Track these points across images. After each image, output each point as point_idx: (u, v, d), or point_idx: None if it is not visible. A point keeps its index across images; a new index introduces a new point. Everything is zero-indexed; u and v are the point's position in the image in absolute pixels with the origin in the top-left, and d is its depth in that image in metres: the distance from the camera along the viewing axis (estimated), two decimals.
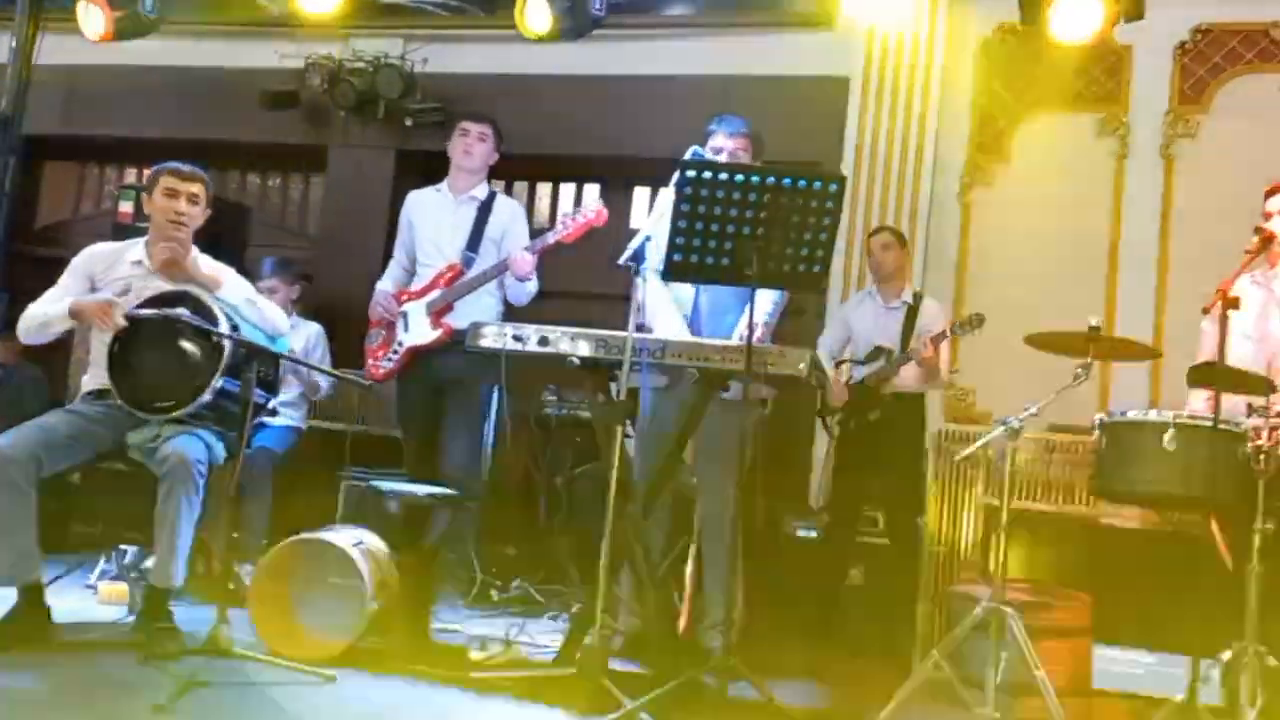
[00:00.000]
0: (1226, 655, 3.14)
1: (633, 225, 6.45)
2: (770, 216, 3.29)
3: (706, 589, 4.12)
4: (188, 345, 3.48)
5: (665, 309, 3.89)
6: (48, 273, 3.89)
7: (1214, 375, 3.11)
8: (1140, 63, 5.81)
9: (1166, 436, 3.09)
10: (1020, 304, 5.51)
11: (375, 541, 3.68)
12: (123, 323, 3.46)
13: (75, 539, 4.92)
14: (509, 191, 6.79)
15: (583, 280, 6.23)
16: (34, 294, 3.75)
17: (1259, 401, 3.21)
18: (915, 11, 5.87)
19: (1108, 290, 5.68)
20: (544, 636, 4.03)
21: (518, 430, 5.13)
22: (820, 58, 6.14)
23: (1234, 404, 3.31)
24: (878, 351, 4.83)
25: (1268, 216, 3.57)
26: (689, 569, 4.55)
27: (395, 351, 4.45)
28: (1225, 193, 5.43)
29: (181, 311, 3.47)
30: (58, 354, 6.31)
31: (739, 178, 3.30)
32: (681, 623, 4.33)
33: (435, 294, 4.41)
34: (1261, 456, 3.03)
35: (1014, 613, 3.16)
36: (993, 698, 3.11)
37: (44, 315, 3.63)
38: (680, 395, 3.63)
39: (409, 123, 6.46)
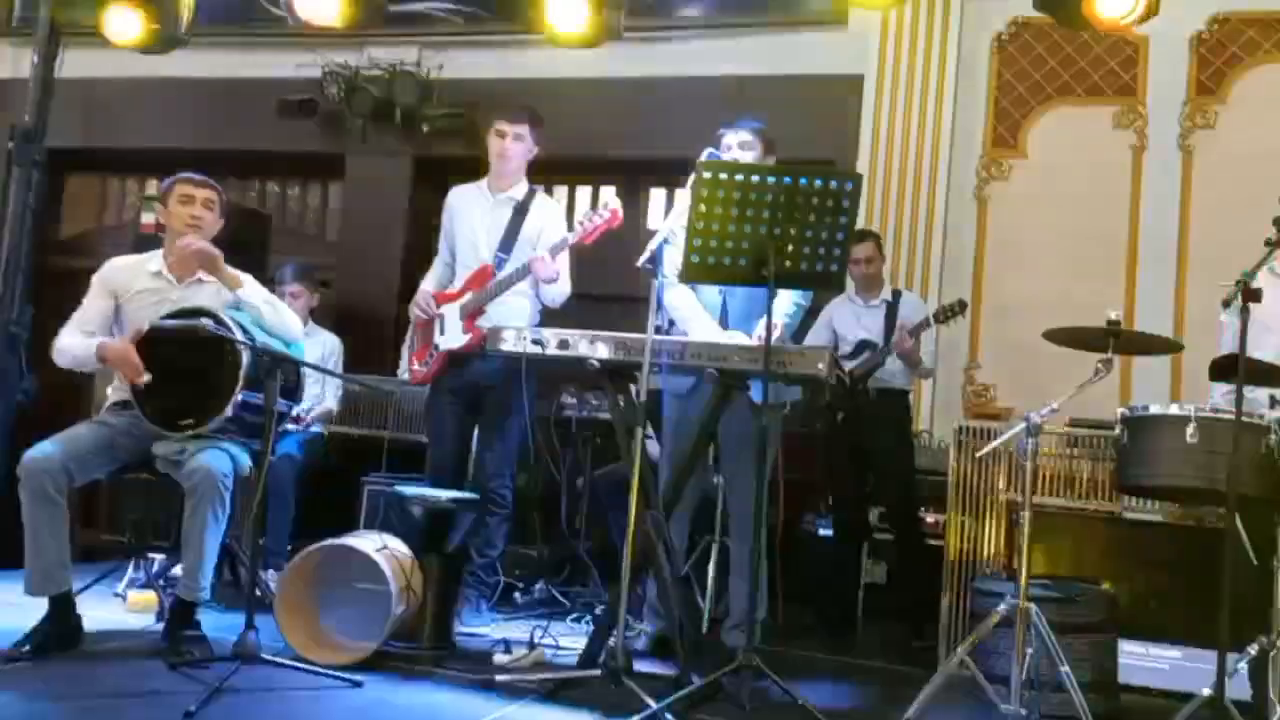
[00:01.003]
0: (1254, 649, 3.13)
1: (650, 227, 6.47)
2: (786, 216, 3.30)
3: (730, 589, 4.14)
4: (208, 359, 3.51)
5: (697, 314, 3.88)
6: (72, 285, 3.94)
7: (1235, 368, 3.10)
8: (1156, 54, 5.78)
9: (1189, 430, 3.08)
10: (1038, 299, 5.51)
11: (399, 546, 3.71)
12: (146, 379, 3.50)
13: (104, 547, 4.98)
14: None
15: (601, 282, 6.25)
16: (58, 306, 3.79)
17: None
18: (929, 7, 5.86)
19: (1127, 284, 5.65)
20: (568, 638, 4.04)
21: (541, 434, 5.14)
22: (834, 56, 6.15)
23: (1256, 396, 3.30)
24: (863, 346, 4.94)
25: None
26: (711, 569, 4.57)
27: (432, 355, 4.42)
28: (1245, 183, 5.40)
29: (206, 322, 3.49)
30: None
31: (755, 178, 3.31)
32: (705, 623, 4.35)
33: (468, 297, 4.38)
34: None
35: (1038, 609, 3.15)
36: (1018, 694, 3.10)
37: (72, 356, 3.68)
38: (704, 397, 3.64)
39: (426, 129, 6.49)
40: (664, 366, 3.47)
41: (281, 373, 3.48)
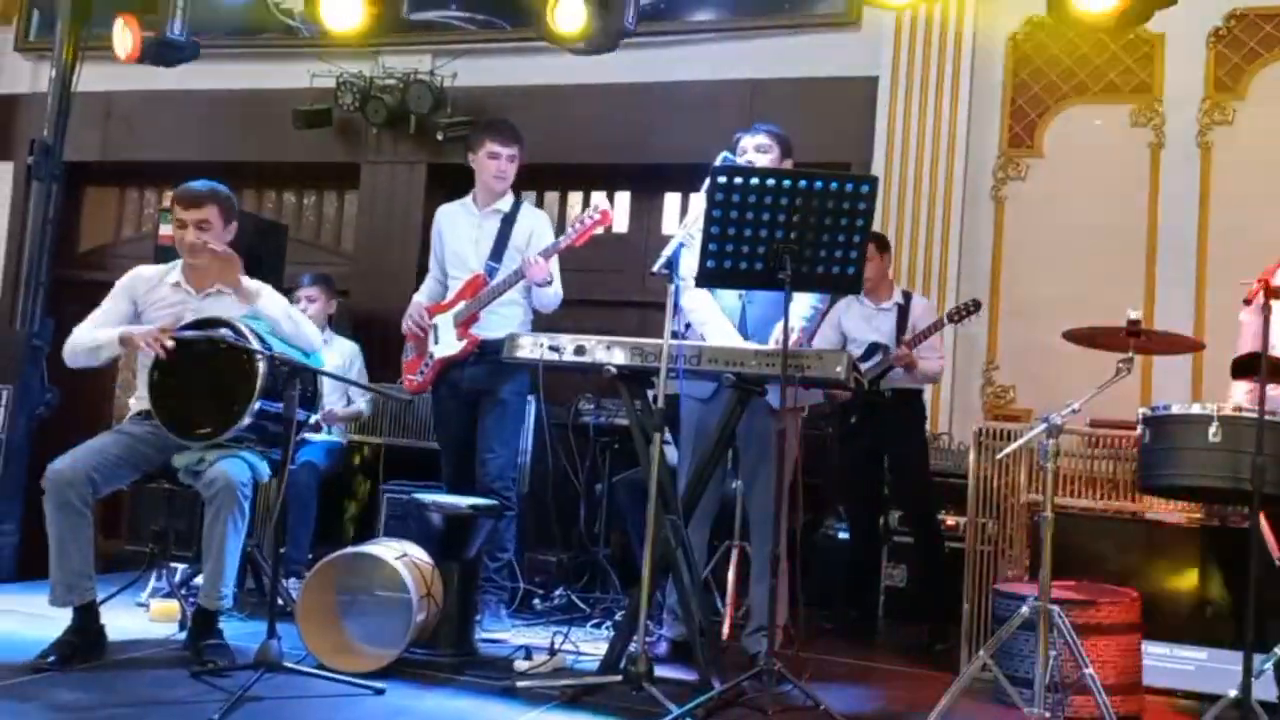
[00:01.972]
0: (1279, 650, 3.10)
1: (665, 232, 6.47)
2: (802, 220, 3.30)
3: (751, 593, 4.13)
4: (226, 368, 3.52)
5: (714, 317, 3.88)
6: (91, 297, 3.95)
7: (1257, 366, 3.07)
8: (1173, 51, 5.74)
9: (1211, 430, 3.06)
10: (1057, 299, 5.47)
11: (419, 553, 3.71)
12: (170, 344, 3.49)
13: (126, 557, 5.01)
14: (539, 201, 6.83)
15: (617, 288, 6.26)
16: (78, 319, 3.80)
17: None
18: (943, 7, 5.84)
19: (1146, 282, 5.61)
20: (588, 644, 4.04)
21: (556, 438, 5.15)
22: (848, 57, 6.13)
23: (1278, 395, 3.27)
24: (875, 348, 4.91)
25: None
26: (730, 574, 4.57)
27: (427, 364, 4.50)
28: (1264, 180, 5.37)
29: (225, 332, 3.51)
30: (104, 376, 6.43)
31: (770, 181, 3.30)
32: (725, 628, 4.35)
33: (461, 305, 4.45)
34: None
35: (1060, 610, 3.13)
36: (1041, 697, 3.08)
37: (93, 340, 3.67)
38: (723, 402, 3.64)
39: (440, 137, 6.51)
40: (681, 371, 3.46)
41: (300, 382, 3.49)
